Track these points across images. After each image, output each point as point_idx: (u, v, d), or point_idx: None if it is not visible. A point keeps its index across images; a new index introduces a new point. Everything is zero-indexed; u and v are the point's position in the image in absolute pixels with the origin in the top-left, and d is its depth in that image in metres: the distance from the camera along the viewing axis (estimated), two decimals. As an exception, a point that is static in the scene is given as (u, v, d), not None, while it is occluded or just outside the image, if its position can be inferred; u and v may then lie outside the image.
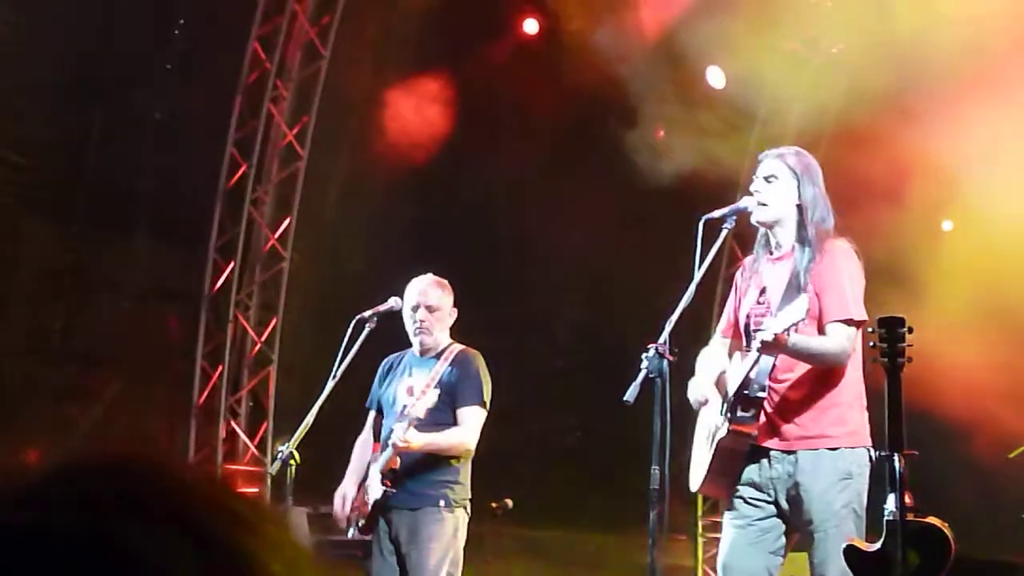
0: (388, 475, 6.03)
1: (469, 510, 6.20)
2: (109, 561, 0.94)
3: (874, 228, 7.95)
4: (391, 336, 6.38)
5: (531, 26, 12.09)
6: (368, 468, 6.23)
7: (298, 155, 11.40)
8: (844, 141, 10.56)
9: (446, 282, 6.37)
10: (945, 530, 4.56)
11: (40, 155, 10.78)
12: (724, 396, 5.03)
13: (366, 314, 6.20)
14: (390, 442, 5.97)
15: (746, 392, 4.92)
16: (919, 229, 10.51)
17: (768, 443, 4.95)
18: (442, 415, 6.02)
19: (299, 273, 11.62)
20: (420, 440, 5.97)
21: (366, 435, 6.44)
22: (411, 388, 6.22)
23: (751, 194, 5.12)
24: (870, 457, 4.91)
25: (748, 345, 5.01)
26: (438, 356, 6.26)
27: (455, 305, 6.37)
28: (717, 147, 10.88)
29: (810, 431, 4.91)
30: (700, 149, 10.72)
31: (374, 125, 11.74)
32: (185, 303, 11.52)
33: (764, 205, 5.06)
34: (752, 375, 4.89)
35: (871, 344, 4.55)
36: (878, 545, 4.52)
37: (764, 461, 4.96)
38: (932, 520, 4.57)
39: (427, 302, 6.25)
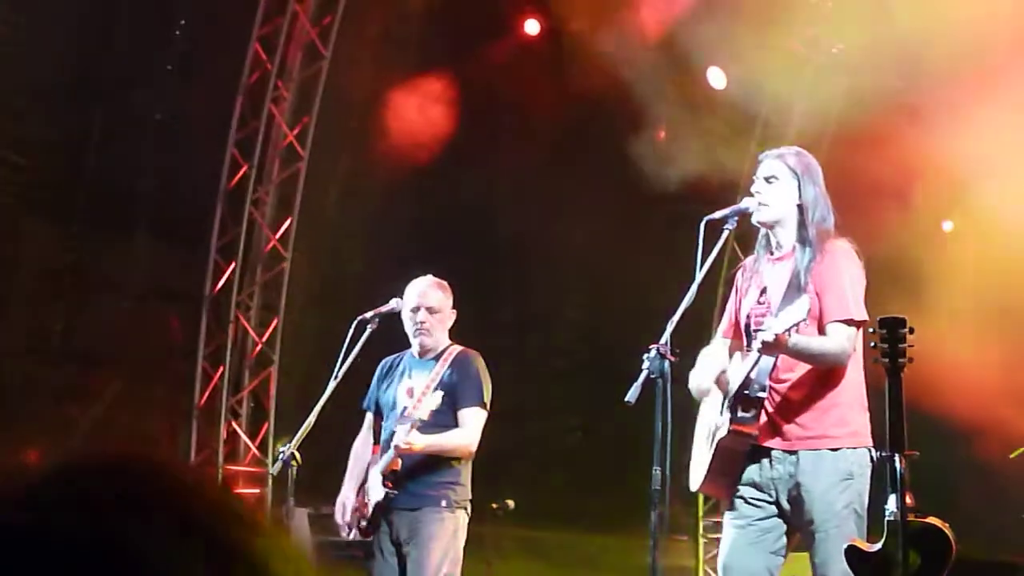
0: (389, 477, 6.03)
1: (470, 511, 6.20)
2: (109, 561, 0.93)
3: (876, 229, 7.94)
4: (392, 337, 6.37)
5: (532, 27, 12.10)
6: (368, 470, 6.22)
7: (299, 155, 11.40)
8: (845, 141, 10.56)
9: (446, 283, 6.37)
10: (946, 530, 4.55)
11: (40, 155, 10.79)
12: (724, 395, 5.02)
13: (368, 315, 6.19)
14: (393, 444, 5.96)
15: (746, 392, 4.91)
16: (922, 230, 10.51)
17: (769, 443, 4.94)
18: (443, 416, 6.02)
19: (300, 273, 11.62)
20: (423, 442, 5.97)
21: (363, 438, 6.43)
22: (411, 390, 6.21)
23: (752, 195, 5.11)
24: (871, 457, 4.90)
25: (749, 345, 5.00)
26: (437, 357, 6.26)
27: (454, 306, 6.36)
28: (718, 147, 10.88)
29: (811, 431, 4.91)
30: (701, 149, 10.72)
31: (375, 126, 11.74)
32: (186, 303, 11.52)
33: (765, 205, 5.05)
34: (753, 375, 4.88)
35: (872, 344, 4.54)
36: (879, 545, 4.52)
37: (765, 461, 4.96)
38: (933, 520, 4.57)
39: (427, 303, 6.24)
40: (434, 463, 6.07)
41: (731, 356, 5.17)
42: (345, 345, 6.10)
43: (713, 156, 10.70)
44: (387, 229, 11.92)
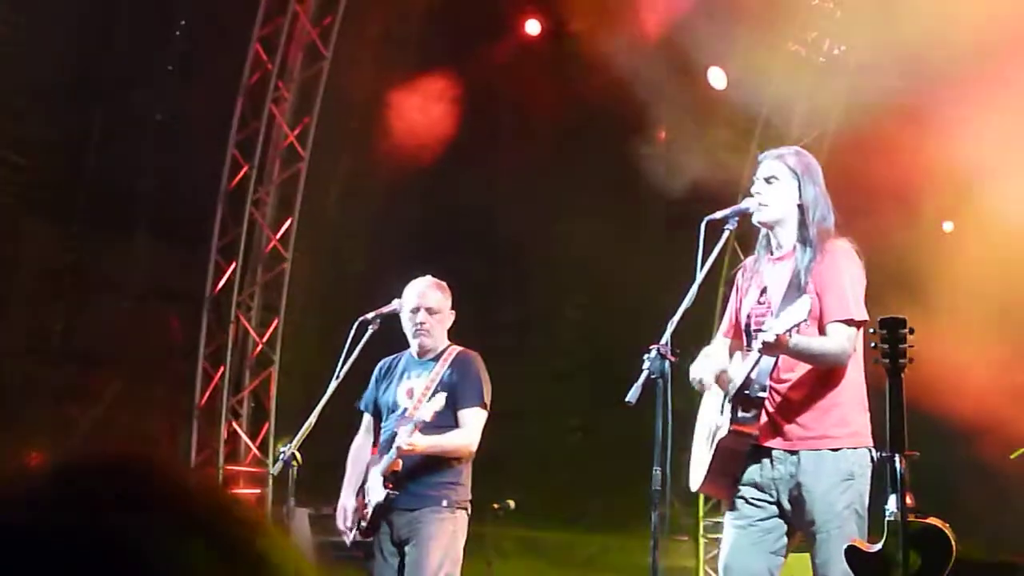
0: (390, 478, 6.02)
1: (470, 511, 6.20)
2: (109, 560, 0.94)
3: (877, 229, 7.94)
4: (392, 337, 6.37)
5: (532, 27, 12.10)
6: (367, 471, 6.22)
7: (299, 156, 11.41)
8: (846, 142, 10.57)
9: (445, 284, 6.37)
10: (946, 531, 4.55)
11: (40, 155, 10.79)
12: (725, 395, 5.02)
13: (369, 316, 6.19)
14: (395, 445, 5.96)
15: (747, 392, 4.91)
16: (922, 230, 10.51)
17: (770, 443, 4.94)
18: (444, 417, 6.02)
19: (301, 274, 11.63)
20: (425, 443, 5.97)
21: (361, 440, 6.42)
22: (411, 391, 6.21)
23: (752, 195, 5.11)
24: (872, 457, 4.90)
25: (749, 345, 5.00)
26: (437, 358, 6.26)
27: (454, 306, 6.36)
28: (718, 148, 10.88)
29: (812, 431, 4.90)
30: (701, 150, 10.73)
31: (375, 126, 11.75)
32: (186, 304, 11.52)
33: (765, 206, 5.05)
34: (753, 375, 4.88)
35: (872, 345, 4.54)
36: (879, 546, 4.52)
37: (766, 461, 4.95)
38: (933, 521, 4.57)
39: (427, 304, 6.24)
40: (435, 463, 6.07)
41: (731, 356, 5.17)
42: (346, 345, 6.10)
43: (713, 156, 10.70)
44: (388, 229, 11.93)
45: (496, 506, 8.93)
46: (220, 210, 11.30)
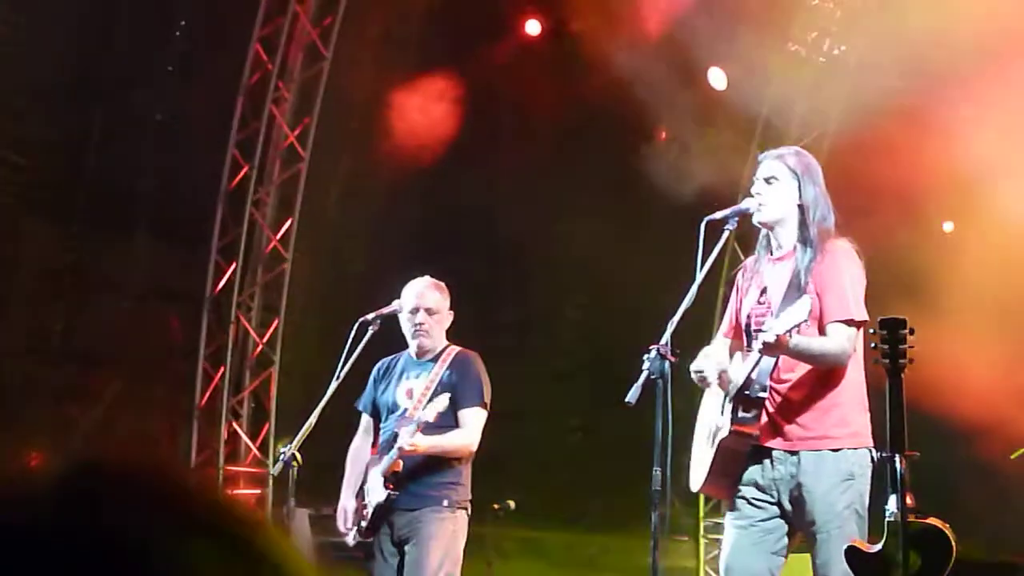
0: (391, 479, 6.02)
1: (470, 511, 6.20)
2: (111, 561, 0.94)
3: (877, 229, 7.94)
4: (392, 338, 6.37)
5: (532, 27, 12.10)
6: (366, 472, 6.22)
7: (300, 156, 11.41)
8: (846, 142, 10.57)
9: (443, 284, 6.37)
10: (946, 531, 4.55)
11: (40, 155, 10.79)
12: (725, 396, 5.02)
13: (369, 316, 6.19)
14: (397, 446, 5.96)
15: (747, 392, 4.91)
16: (923, 230, 10.51)
17: (770, 443, 4.94)
18: (444, 417, 6.02)
19: (301, 274, 11.63)
20: (426, 443, 5.97)
21: (359, 440, 6.42)
22: (410, 391, 6.21)
23: (752, 195, 5.11)
24: (872, 458, 4.90)
25: (749, 345, 5.00)
26: (436, 359, 6.26)
27: (454, 307, 6.37)
28: (718, 148, 10.88)
29: (812, 432, 4.90)
30: (701, 150, 10.73)
31: (376, 126, 11.75)
32: (186, 304, 11.53)
33: (765, 206, 5.05)
34: (753, 375, 4.88)
35: (872, 345, 4.54)
36: (879, 546, 4.52)
37: (767, 462, 4.95)
38: (933, 521, 4.57)
39: (426, 304, 6.24)
40: (435, 463, 6.07)
41: (732, 356, 5.17)
42: (347, 346, 6.10)
43: (713, 156, 10.70)
44: (388, 230, 11.93)
45: (496, 506, 8.93)
46: (220, 210, 11.30)
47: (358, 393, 6.44)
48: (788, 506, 4.94)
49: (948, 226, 11.41)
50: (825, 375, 4.91)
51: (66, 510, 0.96)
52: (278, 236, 11.46)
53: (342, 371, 6.07)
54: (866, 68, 10.99)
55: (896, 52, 9.75)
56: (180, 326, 11.69)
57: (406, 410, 6.15)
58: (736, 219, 5.09)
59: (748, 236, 5.70)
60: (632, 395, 4.61)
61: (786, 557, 5.07)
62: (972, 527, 7.70)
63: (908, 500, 4.46)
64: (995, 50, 9.36)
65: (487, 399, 6.18)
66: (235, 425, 11.39)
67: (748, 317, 5.11)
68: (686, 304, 4.85)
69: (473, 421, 6.12)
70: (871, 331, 4.59)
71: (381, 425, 6.30)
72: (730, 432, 4.92)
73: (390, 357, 6.42)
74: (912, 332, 4.50)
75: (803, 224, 5.02)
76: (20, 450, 9.55)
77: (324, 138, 11.45)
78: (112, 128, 11.05)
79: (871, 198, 8.89)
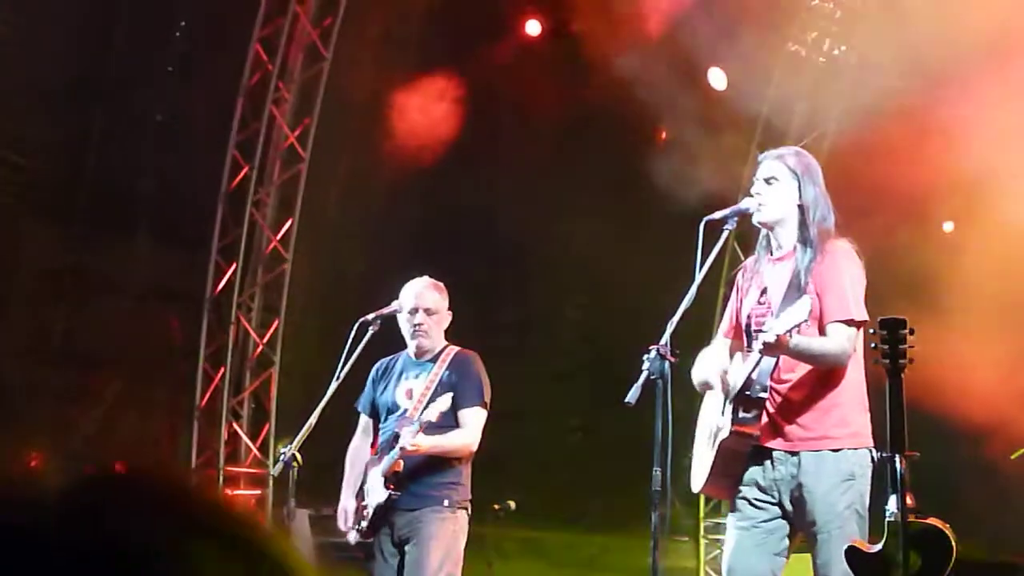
0: (392, 479, 6.03)
1: (470, 511, 6.20)
2: (116, 566, 0.94)
3: (877, 229, 7.94)
4: (391, 338, 6.37)
5: (533, 27, 12.10)
6: (366, 472, 6.22)
7: (300, 157, 11.41)
8: (846, 142, 10.56)
9: (442, 284, 6.37)
10: (946, 531, 4.55)
11: (40, 155, 10.80)
12: (726, 396, 5.02)
13: (369, 317, 6.19)
14: (399, 446, 5.96)
15: (748, 393, 4.91)
16: (923, 230, 10.51)
17: (771, 444, 4.94)
18: (445, 417, 6.02)
19: (301, 275, 11.63)
20: (428, 443, 5.98)
21: (358, 441, 6.42)
22: (410, 391, 6.21)
23: (752, 195, 5.11)
24: (872, 458, 4.91)
25: (749, 346, 5.00)
26: (435, 359, 6.26)
27: (454, 307, 6.37)
28: (718, 148, 10.87)
29: (813, 432, 4.90)
30: (701, 150, 10.72)
31: (376, 127, 11.75)
32: (187, 305, 11.53)
33: (765, 206, 5.05)
34: (754, 376, 4.88)
35: (872, 345, 4.54)
36: (879, 546, 4.52)
37: (767, 463, 4.95)
38: (933, 521, 4.57)
39: (425, 305, 6.24)
40: (436, 463, 6.07)
41: (732, 356, 5.17)
42: (347, 346, 6.10)
43: (713, 157, 10.70)
44: (388, 230, 11.93)
45: (497, 507, 8.93)
46: (220, 211, 11.31)
47: (358, 393, 6.44)
48: (789, 506, 4.94)
49: (948, 226, 11.41)
50: (825, 375, 4.91)
51: (71, 514, 0.97)
52: (278, 237, 11.46)
53: (342, 371, 6.07)
54: (866, 68, 10.99)
55: (896, 52, 9.75)
56: (180, 327, 11.69)
57: (406, 410, 6.15)
58: (735, 219, 5.09)
59: (748, 236, 5.70)
60: (632, 395, 4.61)
61: (787, 558, 5.08)
62: (972, 527, 7.70)
63: (908, 500, 4.47)
64: (995, 50, 9.36)
65: (487, 399, 6.18)
66: (235, 426, 11.39)
67: (748, 317, 5.11)
68: (686, 304, 4.85)
69: (474, 421, 6.12)
70: (871, 331, 4.59)
71: (380, 425, 6.30)
72: (731, 433, 4.92)
73: (389, 357, 6.42)
74: (912, 332, 4.50)
75: (803, 224, 5.02)
76: (21, 450, 9.55)
77: (324, 138, 11.45)
78: (112, 129, 11.05)
79: (871, 198, 8.89)
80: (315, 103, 11.35)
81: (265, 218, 11.53)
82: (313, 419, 5.97)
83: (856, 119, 10.41)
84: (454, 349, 6.30)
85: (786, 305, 4.79)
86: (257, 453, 11.35)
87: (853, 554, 4.61)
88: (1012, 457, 8.57)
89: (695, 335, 5.38)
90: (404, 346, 6.36)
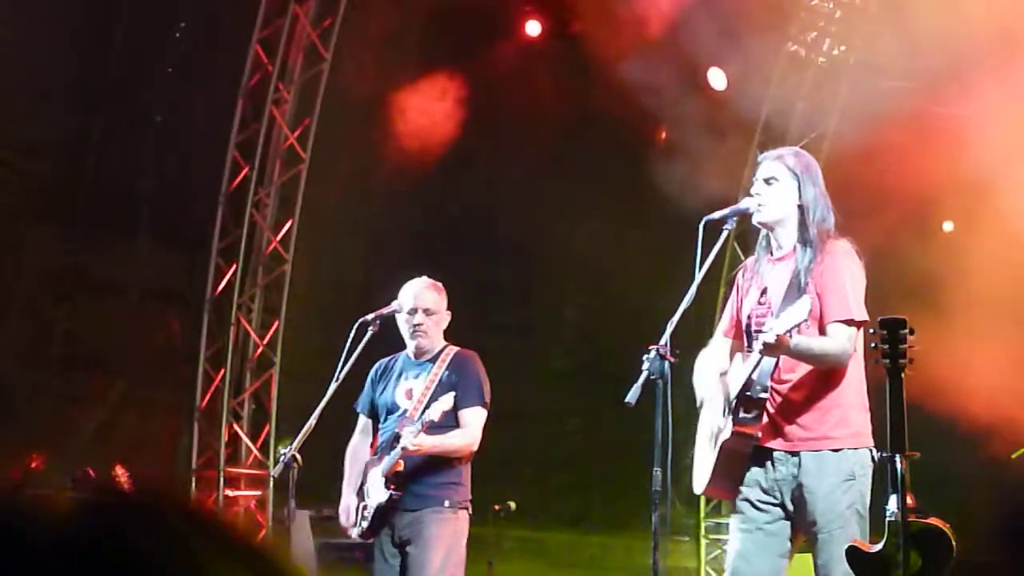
0: (392, 479, 6.03)
1: (470, 511, 6.21)
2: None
3: (877, 229, 7.94)
4: (391, 338, 6.37)
5: (533, 28, 12.10)
6: (366, 472, 6.22)
7: (300, 157, 11.40)
8: (846, 143, 10.57)
9: (440, 285, 6.37)
10: (947, 531, 4.55)
11: (41, 156, 10.79)
12: (726, 397, 5.02)
13: (369, 317, 6.20)
14: (401, 446, 5.96)
15: (748, 393, 4.92)
16: (926, 231, 10.51)
17: (771, 444, 4.94)
18: (446, 417, 6.03)
19: (301, 275, 11.62)
20: (430, 443, 5.98)
21: (357, 441, 6.43)
22: (410, 391, 6.22)
23: (751, 195, 5.11)
24: (872, 458, 4.91)
25: (749, 346, 5.01)
26: (434, 359, 6.26)
27: (452, 307, 6.37)
28: (718, 148, 10.88)
29: (813, 432, 4.91)
30: (701, 150, 10.72)
31: (376, 127, 11.74)
32: (187, 306, 11.52)
33: (764, 206, 5.06)
34: (754, 376, 4.89)
35: (872, 345, 4.54)
36: (880, 546, 4.52)
37: (768, 464, 4.96)
38: (934, 521, 4.57)
39: (424, 305, 6.25)
40: (436, 464, 6.07)
41: (732, 357, 5.18)
42: (346, 347, 6.10)
43: (713, 157, 10.70)
44: (388, 230, 11.93)
45: (497, 507, 8.94)
46: (221, 212, 11.30)
47: (358, 394, 6.44)
48: (791, 507, 4.94)
49: (947, 226, 11.41)
50: (825, 375, 4.92)
51: (87, 535, 0.97)
52: (278, 237, 11.46)
53: (341, 372, 6.07)
54: (866, 68, 11.00)
55: (896, 52, 9.75)
56: (180, 328, 11.68)
57: (406, 411, 6.15)
58: (735, 219, 5.10)
59: (748, 236, 5.70)
60: (632, 395, 4.61)
61: (790, 560, 5.08)
62: (978, 526, 7.70)
63: (908, 500, 4.47)
64: (995, 50, 9.36)
65: (487, 399, 6.18)
66: (236, 427, 11.39)
67: (748, 318, 5.12)
68: (685, 304, 4.85)
69: (474, 421, 6.12)
70: (871, 331, 4.60)
71: (380, 426, 6.31)
72: (732, 433, 4.92)
73: (388, 358, 6.43)
74: (912, 332, 4.50)
75: (803, 224, 5.02)
76: (22, 452, 9.55)
77: (324, 139, 11.45)
78: (112, 129, 11.04)
79: (871, 198, 8.90)
80: (315, 104, 11.34)
81: (265, 219, 11.53)
82: (313, 420, 5.97)
83: (856, 119, 10.41)
84: (453, 349, 6.30)
85: (786, 305, 4.80)
86: (257, 454, 11.34)
87: (854, 554, 4.61)
88: (1012, 456, 8.57)
89: (695, 335, 5.39)
90: (403, 346, 6.36)
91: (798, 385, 4.93)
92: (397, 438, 6.03)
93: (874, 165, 9.89)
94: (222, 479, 11.16)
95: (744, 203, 5.12)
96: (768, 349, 4.72)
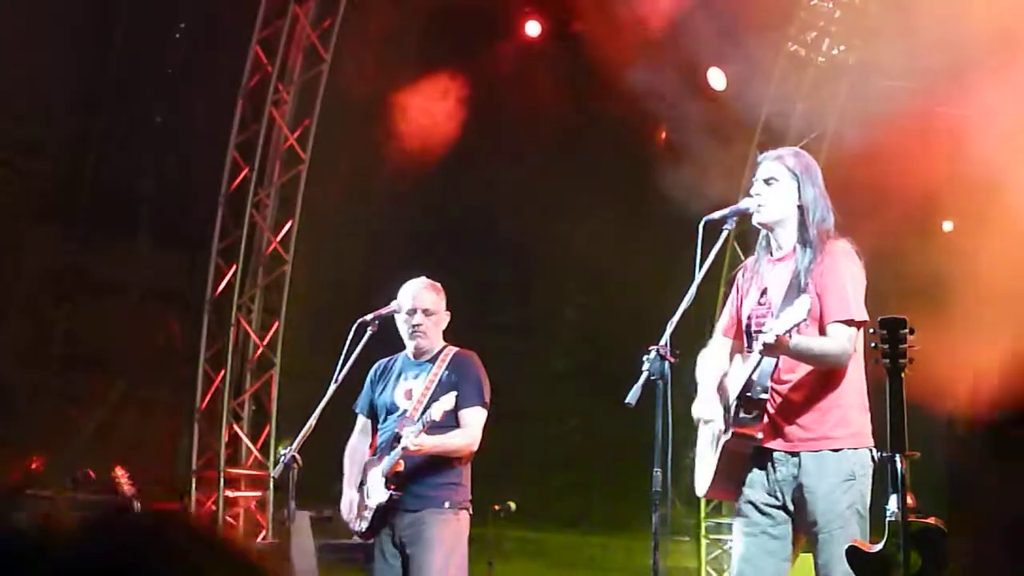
0: (393, 479, 6.03)
1: (471, 511, 6.20)
2: None
3: (877, 229, 7.94)
4: (390, 338, 6.37)
5: (533, 28, 12.10)
6: (365, 472, 6.22)
7: (300, 158, 11.40)
8: (846, 143, 10.56)
9: (439, 285, 6.37)
10: (947, 531, 4.55)
11: (41, 157, 10.79)
12: (726, 399, 5.02)
13: (368, 317, 6.19)
14: (402, 446, 5.96)
15: (749, 394, 4.92)
16: (925, 231, 10.51)
17: (771, 445, 4.94)
18: (447, 417, 6.02)
19: (301, 276, 11.62)
20: (431, 443, 5.98)
21: (356, 441, 6.43)
22: (409, 392, 6.21)
23: (751, 196, 5.11)
24: (872, 458, 4.91)
25: (749, 346, 5.01)
26: (434, 359, 6.26)
27: (452, 307, 6.37)
28: (718, 148, 10.88)
29: (813, 432, 4.91)
30: (701, 150, 10.72)
31: (376, 127, 11.74)
32: (187, 306, 11.52)
33: (764, 207, 5.05)
34: (754, 377, 4.89)
35: (872, 345, 4.54)
36: (880, 546, 4.52)
37: (769, 465, 4.96)
38: (933, 521, 4.57)
39: (423, 306, 6.24)
40: (436, 464, 6.07)
41: (732, 357, 5.18)
42: (346, 347, 6.10)
43: (713, 157, 10.70)
44: (388, 231, 11.92)
45: (497, 507, 8.94)
46: (221, 212, 11.30)
47: (358, 394, 6.44)
48: (792, 507, 4.94)
49: (947, 225, 11.41)
50: (825, 376, 4.91)
51: (93, 556, 0.98)
52: (278, 238, 11.45)
53: (341, 372, 6.07)
54: (866, 68, 11.00)
55: (896, 52, 9.75)
56: (180, 328, 11.68)
57: (405, 411, 6.15)
58: (735, 219, 5.10)
59: (748, 236, 5.70)
60: (632, 396, 4.61)
61: (792, 562, 5.08)
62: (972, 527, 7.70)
63: (908, 500, 4.47)
64: (995, 50, 9.36)
65: (487, 399, 6.18)
66: (236, 427, 11.38)
67: (748, 318, 5.11)
68: (685, 304, 4.85)
69: (474, 421, 6.12)
70: (871, 331, 4.59)
71: (379, 426, 6.30)
72: (732, 434, 4.92)
73: (387, 358, 6.42)
74: (912, 332, 4.50)
75: (803, 225, 5.02)
76: (22, 453, 9.55)
77: (324, 139, 11.45)
78: (112, 129, 11.04)
79: (871, 198, 8.90)
80: (315, 104, 11.34)
81: (265, 219, 11.53)
82: (313, 420, 5.97)
83: (856, 119, 10.41)
84: (453, 349, 6.30)
85: (786, 306, 4.80)
86: (258, 455, 11.34)
87: (854, 554, 4.61)
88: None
89: (695, 335, 5.39)
90: (403, 347, 6.36)
91: (798, 385, 4.93)
92: (397, 438, 6.03)
93: (874, 165, 9.89)
94: (222, 480, 11.15)
95: (744, 203, 5.12)
96: (768, 349, 4.72)
